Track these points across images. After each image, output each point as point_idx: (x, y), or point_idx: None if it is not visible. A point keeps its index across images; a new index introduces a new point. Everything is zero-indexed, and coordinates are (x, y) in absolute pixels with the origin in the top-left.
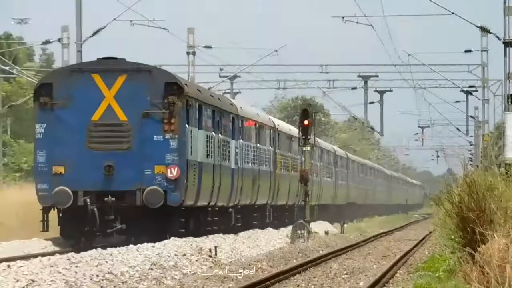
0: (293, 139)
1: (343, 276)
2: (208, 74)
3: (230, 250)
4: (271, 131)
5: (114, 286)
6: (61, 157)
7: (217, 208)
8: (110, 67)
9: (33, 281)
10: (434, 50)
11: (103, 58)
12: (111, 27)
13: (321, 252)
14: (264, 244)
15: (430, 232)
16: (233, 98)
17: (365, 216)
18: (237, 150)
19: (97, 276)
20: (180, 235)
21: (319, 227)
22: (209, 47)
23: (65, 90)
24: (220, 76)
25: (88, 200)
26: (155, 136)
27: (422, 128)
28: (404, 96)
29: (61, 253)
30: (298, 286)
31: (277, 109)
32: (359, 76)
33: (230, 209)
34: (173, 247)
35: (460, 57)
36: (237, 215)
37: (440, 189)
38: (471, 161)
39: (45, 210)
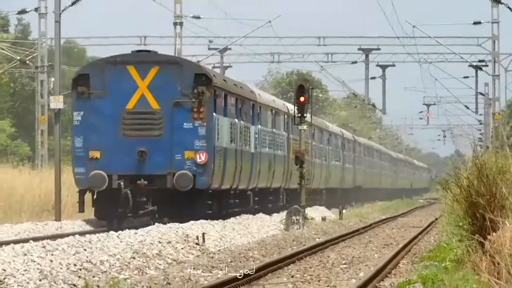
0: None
1: (341, 266)
2: (196, 46)
3: (219, 237)
4: (285, 116)
5: (93, 276)
6: (97, 143)
7: (238, 191)
8: (143, 59)
9: (4, 270)
10: (440, 21)
11: (137, 51)
12: None
13: (317, 240)
14: (256, 231)
15: (436, 219)
16: (224, 72)
17: (372, 200)
18: (256, 136)
19: (75, 265)
20: (207, 217)
21: (316, 212)
22: (198, 17)
23: (101, 80)
24: (210, 49)
25: (122, 183)
26: (185, 124)
27: (428, 105)
28: (408, 71)
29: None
30: (292, 276)
31: (270, 85)
32: (359, 49)
33: (249, 192)
34: (157, 234)
35: (469, 29)
36: (254, 197)
37: (447, 172)
38: (481, 141)
39: (81, 192)
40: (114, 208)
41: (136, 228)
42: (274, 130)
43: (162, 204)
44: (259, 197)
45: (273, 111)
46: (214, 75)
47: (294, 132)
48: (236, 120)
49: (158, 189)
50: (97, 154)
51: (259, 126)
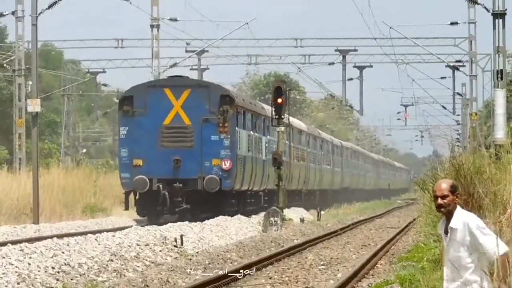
0: (302, 133)
1: (319, 267)
2: (173, 48)
3: (197, 239)
4: (287, 128)
5: (71, 279)
6: (140, 152)
7: (253, 192)
8: (178, 83)
9: None
10: (417, 22)
11: (172, 76)
12: None
13: (295, 241)
14: (234, 232)
15: (414, 219)
16: (201, 74)
17: (359, 199)
18: (266, 145)
19: (53, 268)
20: (231, 213)
21: (294, 213)
22: (175, 20)
23: (143, 101)
24: (187, 51)
25: (160, 186)
26: (212, 136)
27: (405, 106)
28: (385, 72)
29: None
30: (270, 278)
31: (248, 86)
32: (336, 50)
33: (261, 193)
34: (135, 236)
35: (445, 30)
36: (265, 197)
37: (425, 172)
38: (459, 141)
39: (126, 194)
40: (154, 207)
41: (173, 222)
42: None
43: (194, 203)
44: (268, 196)
45: None
46: (236, 96)
47: (294, 141)
48: (251, 132)
49: (191, 191)
50: (139, 162)
51: (268, 137)
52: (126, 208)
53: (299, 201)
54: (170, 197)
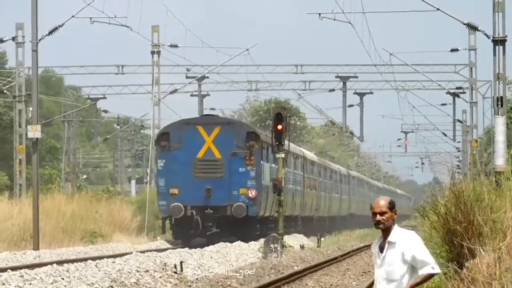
0: (314, 164)
1: None
2: (174, 75)
3: (197, 266)
4: (302, 159)
5: None
6: (175, 182)
7: (273, 218)
8: (209, 121)
9: None
10: (417, 49)
11: (205, 115)
12: (70, 24)
13: (295, 267)
14: (234, 259)
15: None
16: (201, 101)
17: (363, 224)
18: (284, 176)
19: None
20: (256, 237)
21: (294, 240)
22: (175, 46)
23: (178, 136)
24: (187, 77)
25: (194, 212)
26: (240, 168)
27: (406, 133)
28: (385, 99)
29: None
30: None
31: (248, 113)
32: (337, 77)
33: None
34: (135, 263)
35: (446, 57)
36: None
37: (424, 199)
38: (459, 168)
39: (163, 219)
40: (187, 231)
41: (202, 246)
42: (295, 171)
43: (224, 228)
44: (285, 222)
45: (294, 156)
46: (260, 132)
47: (307, 171)
48: (273, 164)
49: (221, 216)
50: (175, 191)
51: (286, 168)
52: (163, 232)
53: (311, 227)
54: (202, 222)
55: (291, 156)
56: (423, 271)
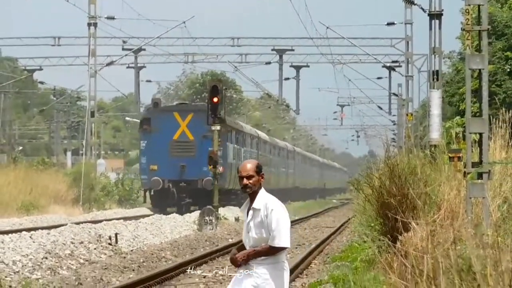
0: (266, 143)
1: None
2: (110, 47)
3: (132, 237)
4: (256, 139)
5: (5, 276)
6: (155, 160)
7: (234, 191)
8: (183, 108)
9: None
10: (354, 22)
11: (179, 103)
12: None
13: (230, 240)
14: (169, 231)
15: (349, 219)
16: (138, 72)
17: (307, 197)
18: (243, 154)
19: None
20: (223, 206)
21: (229, 212)
22: (112, 18)
23: (157, 121)
24: (124, 49)
25: (170, 185)
26: (209, 148)
27: (342, 106)
28: (322, 72)
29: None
30: (204, 277)
31: (185, 85)
32: (273, 50)
33: (239, 191)
34: (69, 234)
35: (382, 31)
36: (242, 194)
37: (359, 172)
38: (394, 142)
39: (144, 191)
40: (165, 201)
41: (180, 213)
42: (250, 149)
43: (195, 198)
44: (228, 194)
45: (251, 137)
46: (227, 119)
47: (261, 149)
48: (235, 145)
49: (193, 189)
50: (155, 167)
51: (244, 147)
52: (144, 201)
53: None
54: (177, 193)
55: (248, 137)
56: (269, 242)
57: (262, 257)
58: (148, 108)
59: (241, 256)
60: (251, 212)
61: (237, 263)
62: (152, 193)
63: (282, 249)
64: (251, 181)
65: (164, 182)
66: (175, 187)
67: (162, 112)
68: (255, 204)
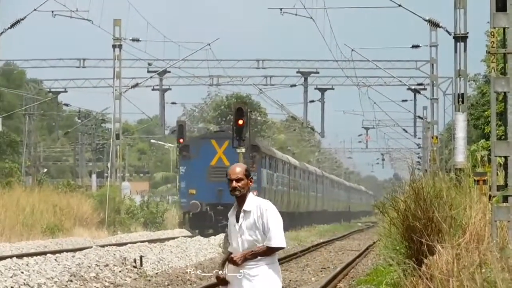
0: (296, 168)
1: None
2: (135, 69)
3: (157, 260)
4: (288, 165)
5: None
6: (193, 184)
7: None
8: (220, 135)
9: None
10: (379, 45)
11: (216, 131)
12: (32, 18)
13: None
14: (194, 254)
15: (374, 242)
16: (163, 95)
17: (334, 221)
18: (276, 180)
19: None
20: None
21: None
22: (137, 40)
23: (196, 148)
24: (149, 72)
25: (208, 208)
26: None
27: (367, 129)
28: (347, 95)
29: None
30: None
31: (210, 107)
32: (298, 72)
33: None
34: (94, 257)
35: (407, 53)
36: None
37: (384, 195)
38: (419, 165)
39: (183, 214)
40: (202, 223)
41: (215, 234)
42: (282, 174)
43: None
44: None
45: (282, 162)
46: (262, 145)
47: (291, 174)
48: (269, 170)
49: None
50: (193, 191)
51: (277, 173)
52: (184, 224)
53: (293, 221)
54: (215, 216)
55: (279, 162)
56: (265, 243)
57: (259, 258)
58: (189, 137)
59: (239, 257)
60: (242, 214)
61: (236, 264)
62: (190, 215)
63: (279, 249)
64: (240, 184)
65: (202, 205)
66: (212, 210)
67: (200, 140)
68: (246, 207)
